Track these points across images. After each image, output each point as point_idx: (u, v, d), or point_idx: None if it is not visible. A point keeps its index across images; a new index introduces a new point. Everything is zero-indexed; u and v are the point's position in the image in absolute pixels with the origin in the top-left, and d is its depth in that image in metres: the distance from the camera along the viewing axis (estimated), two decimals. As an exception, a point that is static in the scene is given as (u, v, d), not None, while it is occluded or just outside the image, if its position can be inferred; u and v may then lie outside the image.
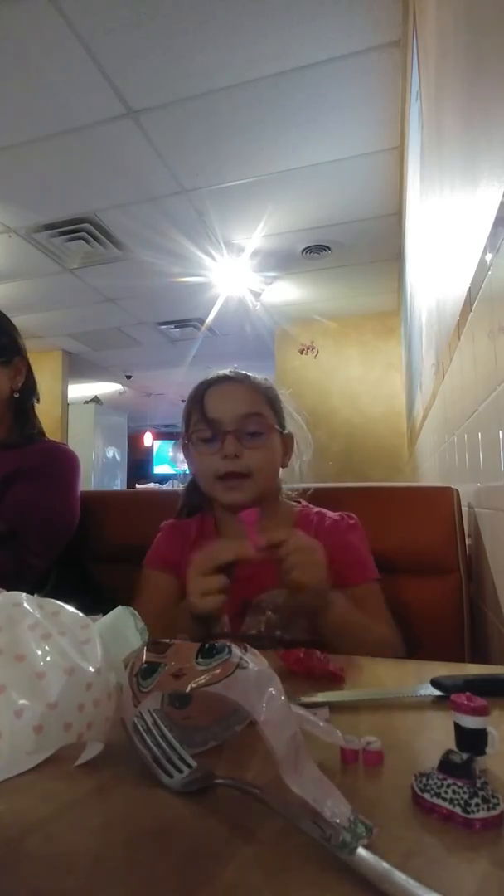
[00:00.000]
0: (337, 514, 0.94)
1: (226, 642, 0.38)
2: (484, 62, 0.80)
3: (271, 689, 0.34)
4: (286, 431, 0.95)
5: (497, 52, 0.71)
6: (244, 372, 0.96)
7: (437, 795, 0.31)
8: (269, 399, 0.93)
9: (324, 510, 0.96)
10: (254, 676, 0.34)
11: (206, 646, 0.37)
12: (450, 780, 0.31)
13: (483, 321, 0.89)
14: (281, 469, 0.95)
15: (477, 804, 0.30)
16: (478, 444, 0.99)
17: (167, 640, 0.40)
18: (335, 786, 0.30)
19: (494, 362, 0.82)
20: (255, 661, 0.37)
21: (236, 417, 0.88)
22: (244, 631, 0.86)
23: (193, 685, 0.35)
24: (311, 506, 0.98)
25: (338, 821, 0.28)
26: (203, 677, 0.35)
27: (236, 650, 0.37)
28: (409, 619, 0.97)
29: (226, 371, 0.96)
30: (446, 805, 0.31)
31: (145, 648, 0.40)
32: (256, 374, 0.97)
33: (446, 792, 0.31)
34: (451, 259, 1.23)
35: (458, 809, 0.30)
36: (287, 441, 0.95)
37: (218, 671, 0.35)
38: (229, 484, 0.88)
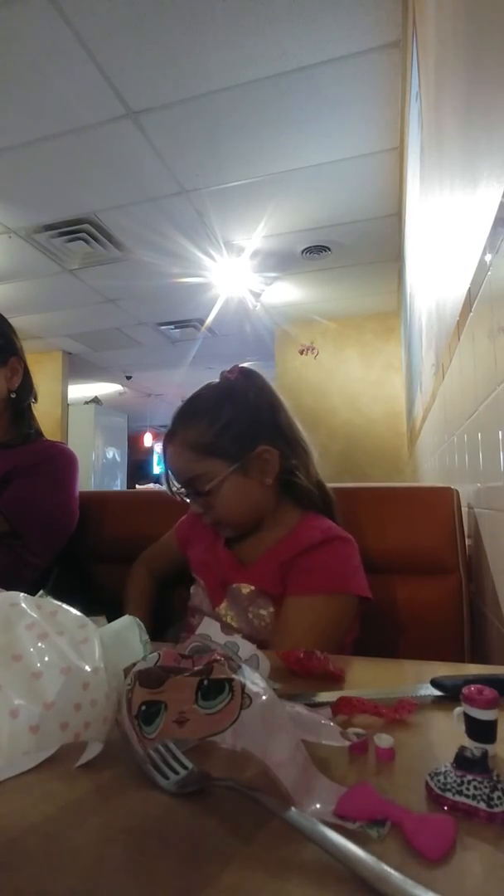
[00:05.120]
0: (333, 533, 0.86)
1: (222, 673, 0.37)
2: (484, 62, 0.80)
3: (276, 713, 0.34)
4: (256, 450, 0.85)
5: (497, 53, 0.71)
6: (188, 408, 0.89)
7: (460, 793, 0.32)
8: (209, 445, 0.84)
9: (333, 527, 0.87)
10: (258, 713, 0.34)
11: (205, 682, 0.36)
12: (469, 777, 0.32)
13: (483, 321, 0.89)
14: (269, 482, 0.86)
15: (499, 797, 0.31)
16: (478, 445, 0.99)
17: (159, 671, 0.39)
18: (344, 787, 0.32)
19: (494, 363, 0.81)
20: (250, 677, 0.36)
21: (181, 483, 0.89)
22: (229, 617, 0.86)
23: (203, 735, 0.34)
24: (321, 516, 0.89)
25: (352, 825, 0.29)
26: (208, 726, 0.35)
27: (236, 682, 0.36)
28: (409, 619, 0.97)
29: (171, 420, 0.89)
30: (471, 801, 0.31)
31: (137, 683, 0.38)
32: (200, 397, 0.89)
33: (468, 788, 0.32)
34: (451, 259, 1.23)
35: (482, 805, 0.31)
36: (264, 459, 0.85)
37: (223, 715, 0.35)
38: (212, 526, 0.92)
